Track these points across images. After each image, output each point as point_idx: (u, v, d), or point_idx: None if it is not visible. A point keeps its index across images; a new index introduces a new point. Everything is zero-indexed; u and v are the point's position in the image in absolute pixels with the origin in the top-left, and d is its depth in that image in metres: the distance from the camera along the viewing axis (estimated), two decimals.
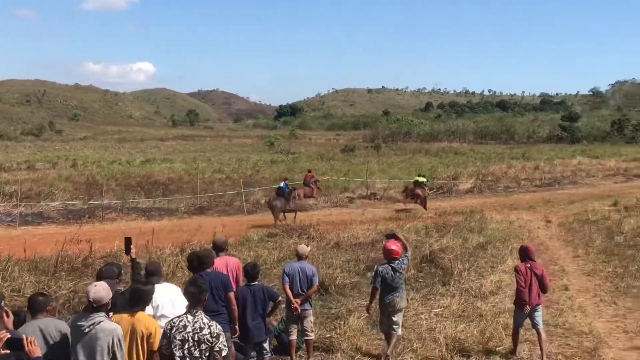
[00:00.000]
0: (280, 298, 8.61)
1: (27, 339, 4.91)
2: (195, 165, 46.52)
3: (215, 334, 5.90)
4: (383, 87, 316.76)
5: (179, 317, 6.06)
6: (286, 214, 24.37)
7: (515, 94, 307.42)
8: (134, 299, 6.09)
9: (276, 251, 16.81)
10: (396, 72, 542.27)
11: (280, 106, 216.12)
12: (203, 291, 6.18)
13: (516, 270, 9.48)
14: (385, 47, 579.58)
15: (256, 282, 8.49)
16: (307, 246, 10.33)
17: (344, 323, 10.87)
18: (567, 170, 45.38)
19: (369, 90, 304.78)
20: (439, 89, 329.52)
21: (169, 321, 6.09)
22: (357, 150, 69.03)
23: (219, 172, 41.08)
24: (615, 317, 11.64)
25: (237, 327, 8.18)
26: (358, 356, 9.63)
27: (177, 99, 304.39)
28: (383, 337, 9.75)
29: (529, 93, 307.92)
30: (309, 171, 32.01)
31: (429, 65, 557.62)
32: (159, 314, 7.00)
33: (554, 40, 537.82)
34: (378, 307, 9.55)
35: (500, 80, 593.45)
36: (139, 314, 6.00)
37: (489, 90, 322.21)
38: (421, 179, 29.16)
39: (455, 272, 14.42)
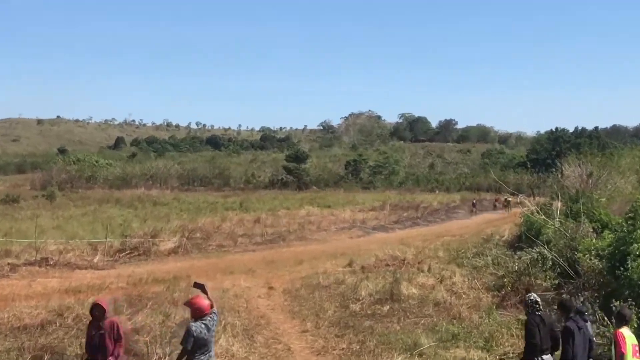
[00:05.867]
0: None
1: None
2: None
3: None
4: (59, 117, 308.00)
5: None
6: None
7: (230, 128, 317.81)
8: None
9: None
10: (76, 99, 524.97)
11: None
12: None
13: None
14: (64, 69, 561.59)
15: None
16: None
17: None
18: (294, 223, 48.01)
19: (40, 121, 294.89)
20: (133, 121, 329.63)
21: None
22: (23, 200, 67.43)
23: None
24: None
25: None
26: None
27: None
28: None
29: (247, 127, 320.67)
30: (497, 196, 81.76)
31: (120, 91, 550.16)
32: None
33: (277, 70, 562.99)
34: None
35: (210, 112, 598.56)
36: None
37: (197, 123, 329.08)
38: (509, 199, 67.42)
39: (155, 359, 14.32)
